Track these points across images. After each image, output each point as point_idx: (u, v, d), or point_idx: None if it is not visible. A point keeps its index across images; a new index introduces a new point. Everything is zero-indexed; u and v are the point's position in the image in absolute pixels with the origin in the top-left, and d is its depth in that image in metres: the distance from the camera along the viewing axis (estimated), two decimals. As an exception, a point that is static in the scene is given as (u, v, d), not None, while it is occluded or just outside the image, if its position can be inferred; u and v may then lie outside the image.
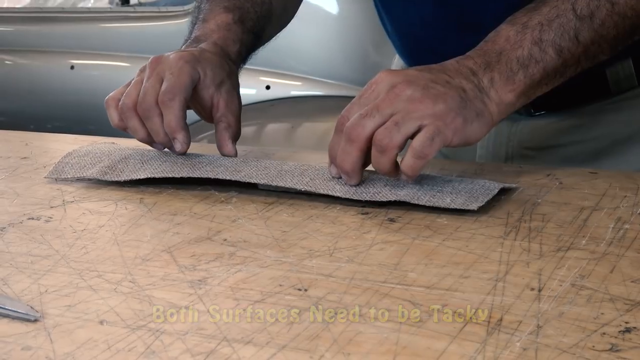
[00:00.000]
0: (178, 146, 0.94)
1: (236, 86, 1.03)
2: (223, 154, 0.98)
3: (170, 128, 0.93)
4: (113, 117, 0.97)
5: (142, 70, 0.98)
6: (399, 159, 0.82)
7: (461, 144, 0.83)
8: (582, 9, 0.88)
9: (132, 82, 0.98)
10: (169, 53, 0.99)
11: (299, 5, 1.26)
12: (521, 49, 0.87)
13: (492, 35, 0.90)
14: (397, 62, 1.31)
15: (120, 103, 0.96)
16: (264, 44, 1.17)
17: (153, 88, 0.94)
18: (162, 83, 0.95)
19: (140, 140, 0.97)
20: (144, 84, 0.95)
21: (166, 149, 0.97)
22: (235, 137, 0.99)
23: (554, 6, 0.88)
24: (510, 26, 0.89)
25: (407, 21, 1.14)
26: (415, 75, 0.84)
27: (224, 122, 0.99)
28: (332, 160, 0.85)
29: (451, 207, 0.80)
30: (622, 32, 0.89)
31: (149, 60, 0.99)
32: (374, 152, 0.81)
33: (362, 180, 0.85)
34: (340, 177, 0.85)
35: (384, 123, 0.81)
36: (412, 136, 0.81)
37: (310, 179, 0.87)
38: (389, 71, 0.85)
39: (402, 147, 0.81)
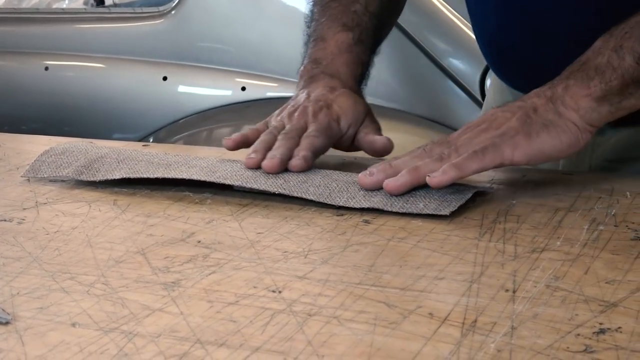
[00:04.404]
0: (295, 162, 0.90)
1: (369, 113, 1.03)
2: (376, 148, 0.99)
3: (300, 147, 0.92)
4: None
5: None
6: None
7: (532, 159, 0.83)
8: None
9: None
10: (309, 96, 1.00)
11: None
12: (601, 56, 0.85)
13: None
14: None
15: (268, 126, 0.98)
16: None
17: (298, 124, 0.96)
18: (306, 123, 0.97)
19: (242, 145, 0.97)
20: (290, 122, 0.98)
21: (145, 150, 0.96)
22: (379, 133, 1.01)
23: None
24: (602, 36, 0.87)
25: (488, 29, 1.11)
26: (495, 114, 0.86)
27: (362, 132, 1.00)
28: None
29: (424, 212, 0.79)
30: None
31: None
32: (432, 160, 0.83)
33: (337, 184, 0.85)
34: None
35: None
36: None
37: (285, 181, 0.86)
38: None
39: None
